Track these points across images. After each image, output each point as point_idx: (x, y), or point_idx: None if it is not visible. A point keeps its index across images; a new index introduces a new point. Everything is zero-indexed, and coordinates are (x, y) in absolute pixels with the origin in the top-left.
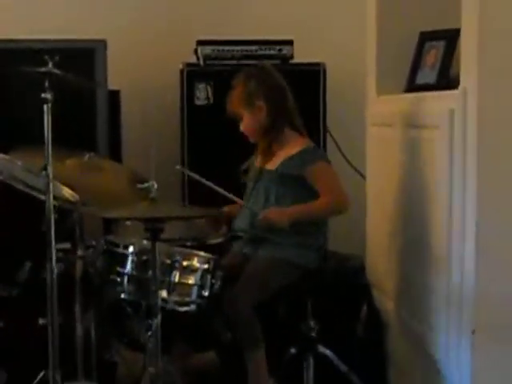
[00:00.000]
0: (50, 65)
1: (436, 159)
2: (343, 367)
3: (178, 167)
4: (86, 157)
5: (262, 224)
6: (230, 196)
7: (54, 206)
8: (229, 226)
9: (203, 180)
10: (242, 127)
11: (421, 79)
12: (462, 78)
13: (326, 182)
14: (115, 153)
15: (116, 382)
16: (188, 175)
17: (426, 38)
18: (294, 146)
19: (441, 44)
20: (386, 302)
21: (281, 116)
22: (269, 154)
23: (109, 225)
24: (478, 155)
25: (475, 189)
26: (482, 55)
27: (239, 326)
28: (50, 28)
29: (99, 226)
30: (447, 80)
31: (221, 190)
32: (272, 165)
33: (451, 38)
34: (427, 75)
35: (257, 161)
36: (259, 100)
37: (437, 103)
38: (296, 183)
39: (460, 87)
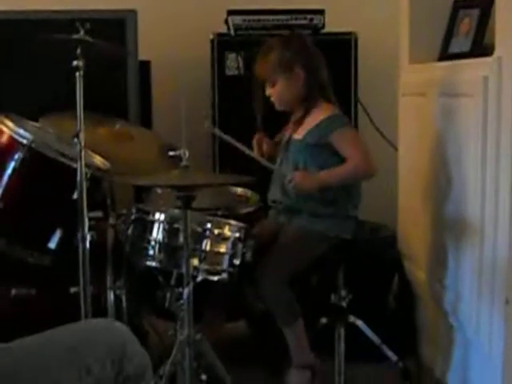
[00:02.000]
0: (82, 32)
1: (470, 128)
2: (374, 337)
3: (207, 125)
4: (117, 125)
5: (290, 186)
6: (262, 160)
7: (86, 173)
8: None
9: (234, 141)
10: (273, 93)
11: (454, 47)
12: (496, 46)
13: (352, 147)
14: (146, 122)
15: (148, 350)
16: (219, 137)
17: (459, 5)
18: (319, 113)
19: (475, 12)
20: (418, 272)
21: (317, 86)
22: (299, 124)
23: (140, 193)
24: None
25: (509, 157)
26: None
27: (273, 300)
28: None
29: (130, 194)
30: (481, 48)
31: (252, 153)
32: (299, 134)
33: (485, 6)
34: (461, 43)
35: (288, 130)
36: (298, 67)
37: (470, 71)
38: (323, 151)
39: (494, 55)
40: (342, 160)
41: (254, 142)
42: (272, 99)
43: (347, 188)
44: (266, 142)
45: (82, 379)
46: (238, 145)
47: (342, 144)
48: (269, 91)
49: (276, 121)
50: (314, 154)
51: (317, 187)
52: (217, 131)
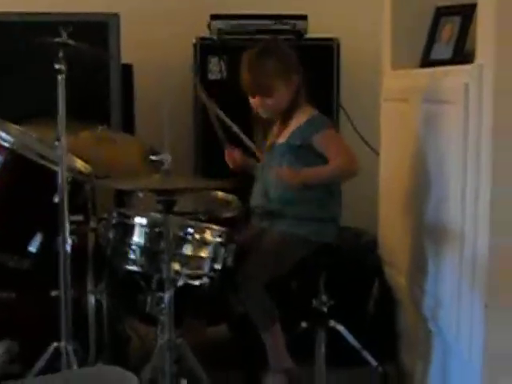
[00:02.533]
0: (64, 36)
1: (451, 134)
2: (355, 342)
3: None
4: (99, 129)
5: (275, 179)
6: (247, 141)
7: (67, 177)
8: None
9: (221, 114)
10: (270, 102)
11: (436, 54)
12: (477, 54)
13: (334, 147)
14: (128, 126)
15: (128, 354)
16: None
17: (441, 12)
18: (301, 116)
19: (456, 19)
20: (398, 278)
21: (304, 91)
22: (284, 128)
23: (121, 197)
24: (492, 130)
25: (490, 164)
26: (499, 30)
27: (251, 304)
28: (64, 2)
29: (112, 198)
30: (462, 55)
31: (239, 132)
32: (283, 137)
33: (467, 13)
34: (442, 50)
35: (271, 135)
36: (294, 74)
37: (452, 78)
38: (306, 152)
39: (475, 62)
40: (326, 161)
41: (227, 159)
42: (261, 109)
43: (330, 190)
44: (237, 154)
45: None
46: (227, 121)
47: (324, 145)
48: (260, 101)
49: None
50: (298, 156)
51: (301, 182)
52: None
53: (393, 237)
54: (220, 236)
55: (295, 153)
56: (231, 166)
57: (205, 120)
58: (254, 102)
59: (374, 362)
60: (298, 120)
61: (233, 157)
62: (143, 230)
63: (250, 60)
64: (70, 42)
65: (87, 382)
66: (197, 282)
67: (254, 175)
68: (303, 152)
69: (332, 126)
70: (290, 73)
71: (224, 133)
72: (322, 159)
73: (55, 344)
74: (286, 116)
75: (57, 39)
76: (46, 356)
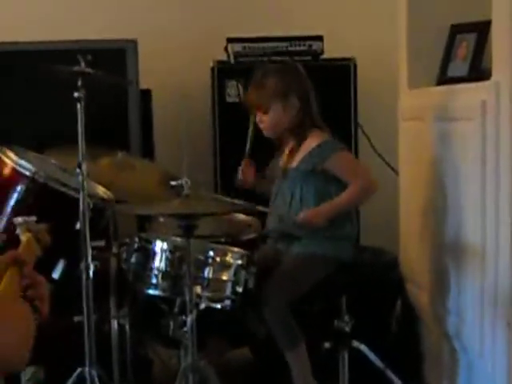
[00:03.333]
0: (83, 64)
1: (468, 152)
2: (378, 362)
3: None
4: (119, 155)
5: (300, 226)
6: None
7: (89, 203)
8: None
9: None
10: (265, 121)
11: (452, 72)
12: (493, 70)
13: (349, 169)
14: (148, 151)
15: (152, 378)
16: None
17: (456, 30)
18: (312, 141)
19: (472, 36)
20: (421, 296)
21: (309, 116)
22: (294, 153)
23: (142, 223)
24: (511, 146)
25: (509, 182)
26: None
27: (274, 326)
28: (82, 29)
29: (133, 223)
30: (479, 72)
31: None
32: (294, 163)
33: (482, 30)
34: (459, 68)
35: (282, 160)
36: (293, 96)
37: (469, 95)
38: (318, 177)
39: (492, 79)
40: (339, 184)
41: (241, 169)
42: (261, 126)
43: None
44: (252, 170)
45: None
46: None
47: (339, 169)
48: (259, 118)
49: (264, 149)
50: (309, 181)
51: (326, 219)
52: None
53: (414, 255)
54: (241, 258)
55: (306, 178)
56: (240, 177)
57: (223, 144)
58: (258, 117)
59: (398, 382)
60: (309, 145)
61: (246, 172)
62: (164, 254)
63: (256, 76)
64: (89, 70)
65: None
66: (218, 305)
67: (264, 193)
68: (315, 177)
69: (345, 148)
70: (290, 95)
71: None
72: (337, 182)
73: (79, 369)
74: (296, 140)
75: (75, 68)
76: (71, 381)
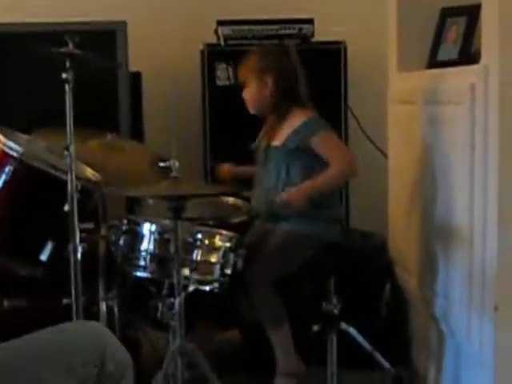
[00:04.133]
0: (71, 45)
1: (457, 135)
2: (366, 345)
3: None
4: (108, 137)
5: (280, 207)
6: None
7: (77, 185)
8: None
9: None
10: (245, 95)
11: (442, 55)
12: (483, 54)
13: (332, 149)
14: (137, 134)
15: (141, 360)
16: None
17: (447, 13)
18: (297, 118)
19: (462, 20)
20: (409, 279)
21: (288, 98)
22: (275, 131)
23: (132, 205)
24: (499, 130)
25: (497, 165)
26: (503, 30)
27: (259, 304)
28: (72, 11)
29: (122, 205)
30: (469, 56)
31: None
32: (278, 140)
33: (472, 13)
34: (449, 51)
35: (264, 138)
36: (268, 77)
37: (458, 78)
38: (304, 154)
39: (481, 62)
40: (323, 161)
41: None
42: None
43: (330, 191)
44: (229, 169)
45: (66, 378)
46: None
47: (322, 148)
48: (243, 93)
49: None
50: (295, 159)
51: (307, 198)
52: None
53: (402, 238)
54: (229, 241)
55: (292, 156)
56: (220, 179)
57: (213, 126)
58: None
59: (386, 365)
60: (293, 123)
61: (223, 171)
62: (153, 236)
63: (247, 54)
64: (77, 51)
65: (57, 335)
66: (207, 288)
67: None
68: (300, 154)
69: (329, 128)
70: (265, 74)
71: None
72: (319, 160)
73: None
74: (275, 118)
75: (63, 49)
76: None
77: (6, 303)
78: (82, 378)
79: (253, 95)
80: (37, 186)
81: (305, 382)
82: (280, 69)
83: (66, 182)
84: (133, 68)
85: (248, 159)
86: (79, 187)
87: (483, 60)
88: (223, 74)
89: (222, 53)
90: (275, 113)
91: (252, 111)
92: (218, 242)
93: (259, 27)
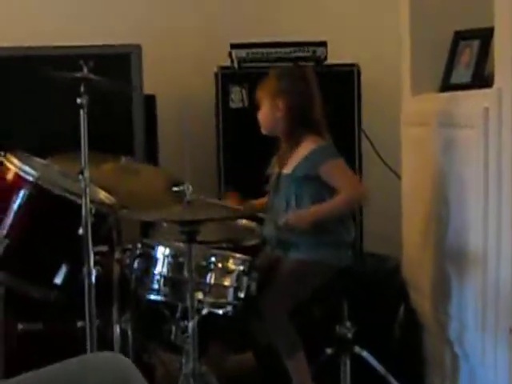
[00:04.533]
0: (85, 70)
1: (471, 158)
2: (380, 368)
3: None
4: (123, 160)
5: (285, 229)
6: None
7: (91, 209)
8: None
9: None
10: (259, 115)
11: (455, 78)
12: (496, 77)
13: (340, 177)
14: (152, 157)
15: (154, 383)
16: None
17: (460, 37)
18: (306, 147)
19: (475, 43)
20: (423, 302)
21: (301, 123)
22: (287, 158)
23: (146, 228)
24: None
25: (510, 186)
26: None
27: (274, 333)
28: (87, 35)
29: (137, 229)
30: (482, 79)
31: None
32: (288, 168)
33: (485, 36)
34: (462, 74)
35: (273, 165)
36: (280, 101)
37: (471, 102)
38: (313, 182)
39: (494, 86)
40: (333, 190)
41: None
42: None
43: (340, 218)
44: (237, 199)
45: None
46: None
47: (330, 176)
48: (259, 113)
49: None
50: (304, 187)
51: (312, 223)
52: None
53: (416, 261)
54: (243, 264)
55: (301, 184)
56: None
57: (227, 149)
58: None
59: None
60: (304, 150)
61: (231, 198)
62: (166, 259)
63: (268, 74)
64: (91, 76)
65: (80, 366)
66: (220, 311)
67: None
68: (310, 183)
69: (339, 156)
70: (278, 97)
71: None
72: (328, 188)
73: None
74: (287, 144)
75: (77, 74)
76: None
77: (20, 326)
78: None
79: (265, 117)
80: (51, 209)
81: None
82: (294, 92)
83: (80, 206)
84: (147, 91)
85: (261, 184)
86: (93, 211)
87: (496, 83)
88: (237, 97)
89: (235, 75)
90: (288, 138)
91: (264, 132)
92: (231, 265)
93: (273, 50)
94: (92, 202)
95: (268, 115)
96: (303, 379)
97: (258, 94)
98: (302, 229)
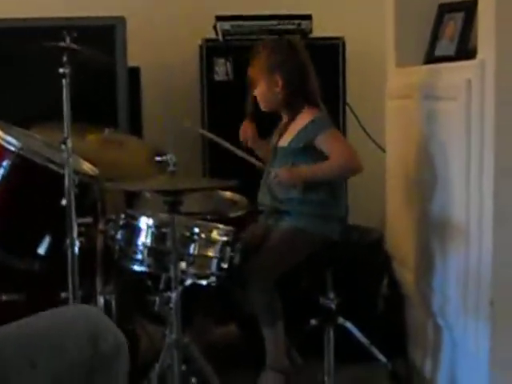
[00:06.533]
0: (68, 40)
1: (454, 130)
2: (363, 339)
3: (201, 131)
4: (106, 132)
5: (275, 182)
6: (252, 160)
7: (74, 180)
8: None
9: (224, 143)
10: (256, 94)
11: (440, 51)
12: (479, 49)
13: (335, 145)
14: (136, 129)
15: (138, 354)
16: (210, 140)
17: (444, 9)
18: (302, 119)
19: (459, 16)
20: (406, 274)
21: (299, 94)
22: (284, 130)
23: (130, 199)
24: (495, 126)
25: (492, 159)
26: (499, 25)
27: (257, 302)
28: (71, 7)
29: (121, 200)
30: (466, 52)
31: (242, 153)
32: (285, 141)
33: (470, 9)
34: (446, 47)
35: (274, 136)
36: (278, 75)
37: (454, 74)
38: (309, 154)
39: (477, 58)
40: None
41: (241, 130)
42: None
43: (333, 192)
44: (252, 128)
45: (59, 359)
46: (229, 146)
47: (326, 145)
48: (255, 91)
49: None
50: (300, 157)
51: (302, 181)
52: (209, 134)
53: (400, 233)
54: (226, 235)
55: (297, 155)
56: (241, 138)
57: (211, 122)
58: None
59: (382, 359)
60: (300, 123)
61: (245, 130)
62: (150, 230)
63: (254, 49)
64: (74, 46)
65: (51, 319)
66: (204, 282)
67: (260, 157)
68: (306, 154)
69: (333, 126)
70: (274, 72)
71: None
72: (324, 159)
73: None
74: (288, 116)
75: (60, 43)
76: None
77: (3, 297)
78: (75, 359)
79: (264, 94)
80: (34, 180)
81: (302, 375)
82: (289, 65)
83: (63, 176)
84: (131, 63)
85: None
86: (77, 181)
87: (479, 55)
88: (222, 70)
89: (220, 48)
90: (288, 110)
91: (264, 109)
92: (215, 235)
93: (258, 23)
94: (76, 172)
95: (266, 92)
96: (278, 350)
97: (251, 72)
98: (292, 184)
